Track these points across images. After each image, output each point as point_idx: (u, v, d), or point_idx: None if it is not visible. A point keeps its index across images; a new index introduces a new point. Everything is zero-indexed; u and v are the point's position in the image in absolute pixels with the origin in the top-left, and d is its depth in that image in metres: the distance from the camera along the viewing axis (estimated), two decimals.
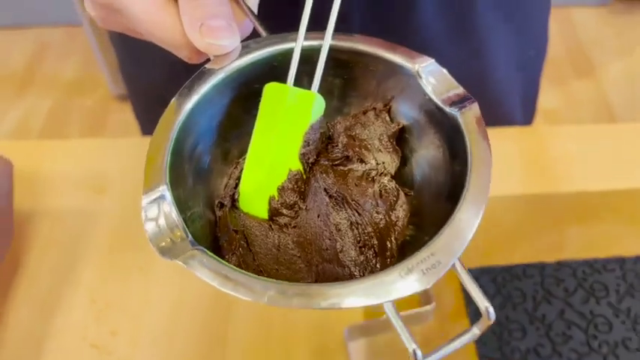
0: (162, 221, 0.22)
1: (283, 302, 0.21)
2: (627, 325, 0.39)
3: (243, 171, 0.27)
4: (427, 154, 0.28)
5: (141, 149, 0.52)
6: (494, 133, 0.49)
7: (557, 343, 0.38)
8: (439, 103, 0.26)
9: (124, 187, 0.48)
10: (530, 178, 0.47)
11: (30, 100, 1.74)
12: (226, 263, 0.22)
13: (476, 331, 0.22)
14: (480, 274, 0.41)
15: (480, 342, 0.38)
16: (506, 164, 0.48)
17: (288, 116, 0.26)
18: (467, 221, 0.22)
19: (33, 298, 0.41)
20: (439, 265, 0.21)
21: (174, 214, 0.22)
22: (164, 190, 0.23)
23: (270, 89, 0.27)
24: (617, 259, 0.42)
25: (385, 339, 0.39)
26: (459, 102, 0.25)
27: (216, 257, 0.22)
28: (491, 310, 0.21)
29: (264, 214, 0.27)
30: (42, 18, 2.00)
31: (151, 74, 0.51)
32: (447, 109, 0.25)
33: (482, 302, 0.21)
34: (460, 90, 0.26)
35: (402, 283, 0.21)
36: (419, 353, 0.21)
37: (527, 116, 0.56)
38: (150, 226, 0.22)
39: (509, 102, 0.51)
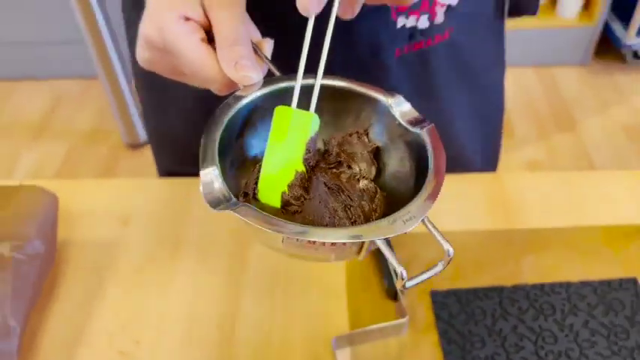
0: (217, 185, 0.32)
1: (311, 235, 0.31)
2: (570, 338, 0.45)
3: (261, 172, 0.35)
4: (396, 164, 0.38)
5: (159, 188, 0.61)
6: (464, 177, 0.58)
7: (511, 353, 0.45)
8: (406, 125, 0.36)
9: (146, 219, 0.56)
10: (493, 216, 0.55)
11: (46, 147, 1.84)
12: (264, 213, 0.31)
13: (440, 266, 0.31)
14: (447, 295, 0.48)
15: (446, 351, 0.45)
16: (474, 204, 0.56)
17: (293, 130, 0.35)
18: (430, 196, 0.33)
19: (67, 311, 0.48)
20: (413, 217, 0.31)
21: (221, 183, 0.32)
22: (215, 169, 0.33)
23: (279, 110, 0.36)
24: (563, 284, 0.49)
25: (368, 347, 0.46)
26: (420, 123, 0.36)
27: (257, 209, 0.31)
28: (451, 250, 0.31)
29: (277, 204, 0.35)
30: (58, 71, 2.12)
31: (170, 119, 0.59)
32: (412, 129, 0.36)
33: (445, 245, 0.31)
34: (419, 116, 0.36)
35: (390, 226, 0.31)
36: (404, 273, 0.30)
37: (490, 164, 0.64)
38: (206, 189, 0.32)
39: (470, 152, 0.60)
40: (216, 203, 0.32)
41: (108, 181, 0.63)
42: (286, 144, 0.35)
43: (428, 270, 0.31)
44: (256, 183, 0.36)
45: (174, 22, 0.35)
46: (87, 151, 1.83)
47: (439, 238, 0.32)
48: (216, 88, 0.36)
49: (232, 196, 0.32)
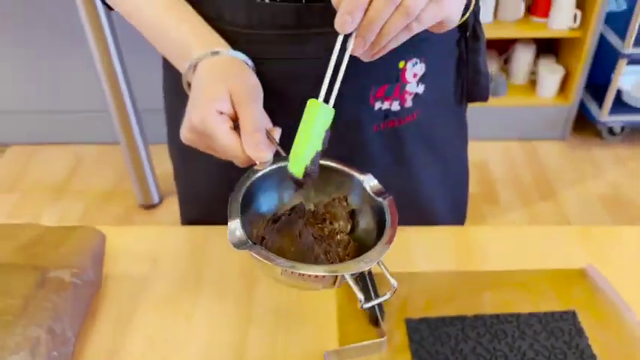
0: (238, 232, 0.45)
1: (300, 269, 0.44)
2: (518, 358, 0.55)
3: (293, 148, 0.47)
4: (365, 222, 0.52)
5: (183, 234, 0.72)
6: (437, 229, 0.69)
7: None
8: (373, 195, 0.49)
9: (172, 258, 0.66)
10: (459, 260, 0.66)
11: (65, 206, 1.95)
12: (270, 253, 0.44)
13: (388, 295, 0.45)
14: (420, 322, 0.58)
15: None
16: (444, 250, 0.67)
17: (320, 117, 0.46)
18: (382, 249, 0.46)
19: (107, 328, 0.58)
20: (371, 260, 0.44)
21: (241, 231, 0.45)
22: (237, 221, 0.45)
23: (311, 102, 0.46)
24: (514, 315, 0.59)
25: None
26: (382, 194, 0.49)
27: (265, 250, 0.45)
28: (395, 284, 0.44)
29: (300, 174, 0.47)
30: (79, 137, 2.27)
31: (197, 180, 0.71)
32: (377, 198, 0.48)
33: (392, 280, 0.44)
34: (383, 189, 0.49)
35: (356, 265, 0.44)
36: (362, 298, 0.43)
37: (460, 219, 0.76)
38: (231, 235, 0.45)
39: (439, 209, 0.71)
40: (238, 245, 0.45)
41: (142, 227, 0.74)
42: (314, 127, 0.46)
43: (379, 297, 0.46)
44: (263, 238, 0.50)
45: (212, 114, 0.48)
46: (103, 210, 1.95)
47: (387, 275, 0.46)
48: (238, 163, 0.49)
49: (249, 240, 0.45)
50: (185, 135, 0.51)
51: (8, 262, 0.55)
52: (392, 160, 0.63)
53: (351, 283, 0.43)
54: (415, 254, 0.66)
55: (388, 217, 0.48)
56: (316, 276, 0.45)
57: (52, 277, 0.54)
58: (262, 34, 0.56)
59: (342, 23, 0.42)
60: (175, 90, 0.66)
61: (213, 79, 0.51)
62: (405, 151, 0.64)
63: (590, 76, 2.06)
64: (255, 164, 0.48)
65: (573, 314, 0.59)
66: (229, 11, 0.57)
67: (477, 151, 2.13)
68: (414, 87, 0.61)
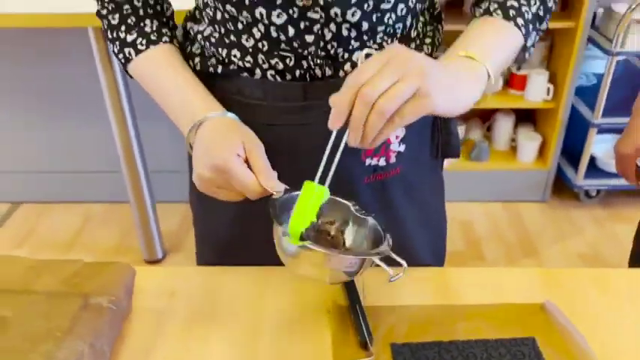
0: (280, 231, 0.56)
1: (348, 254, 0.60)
2: None
3: (292, 216, 0.58)
4: (356, 235, 0.65)
5: (199, 272, 0.82)
6: (419, 269, 0.79)
7: None
8: (360, 215, 0.62)
9: (188, 292, 0.76)
10: (437, 295, 0.75)
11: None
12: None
13: (401, 274, 0.57)
14: (403, 346, 0.67)
15: None
16: (425, 287, 0.77)
17: (316, 197, 0.58)
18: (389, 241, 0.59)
19: (135, 348, 0.67)
20: (385, 251, 0.58)
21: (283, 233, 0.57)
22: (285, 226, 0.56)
23: (308, 184, 0.59)
24: (484, 340, 0.68)
25: None
26: (367, 214, 0.62)
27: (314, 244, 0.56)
28: (405, 264, 0.56)
29: (296, 241, 0.58)
30: (88, 196, 2.38)
31: (213, 226, 0.82)
32: (364, 217, 0.61)
33: (401, 260, 0.57)
34: (367, 212, 0.62)
35: (377, 252, 0.59)
36: (392, 272, 0.58)
37: (439, 261, 0.86)
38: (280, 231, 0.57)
39: (420, 250, 0.82)
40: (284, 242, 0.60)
41: (163, 267, 0.84)
42: (310, 203, 0.58)
43: (397, 275, 0.58)
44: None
45: (232, 157, 0.60)
46: None
47: (395, 256, 0.58)
48: (254, 195, 0.61)
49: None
50: (204, 175, 0.62)
51: (57, 291, 0.65)
52: (379, 206, 0.74)
53: (381, 264, 0.58)
54: (400, 290, 0.76)
55: (380, 224, 0.63)
56: (351, 261, 0.60)
57: (92, 302, 0.63)
58: (275, 105, 0.69)
59: (331, 123, 0.53)
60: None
61: (227, 132, 0.64)
62: (389, 199, 0.76)
63: (566, 143, 2.22)
64: (271, 195, 0.60)
65: (533, 340, 0.69)
66: (249, 88, 0.70)
67: (463, 212, 2.25)
68: (396, 146, 0.73)
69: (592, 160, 2.24)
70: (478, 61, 0.61)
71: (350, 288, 0.74)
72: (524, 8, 0.66)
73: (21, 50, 2.08)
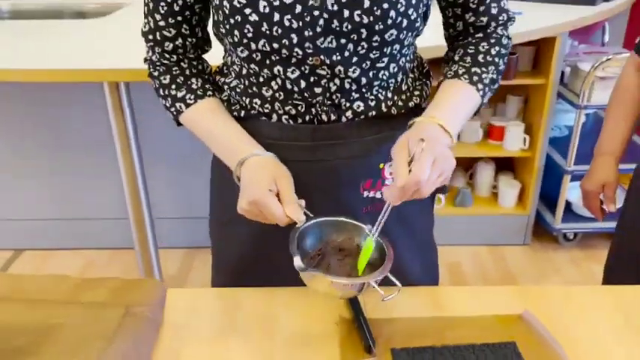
0: (297, 261, 0.66)
1: (346, 280, 0.72)
2: None
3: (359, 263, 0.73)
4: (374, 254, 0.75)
5: (216, 293, 0.93)
6: (414, 289, 0.89)
7: None
8: (374, 237, 0.72)
9: (209, 309, 0.85)
10: (428, 309, 0.86)
11: None
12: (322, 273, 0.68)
13: (395, 294, 0.69)
14: (401, 351, 0.77)
15: None
16: (418, 302, 0.87)
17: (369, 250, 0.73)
18: (388, 263, 0.70)
19: (164, 354, 0.75)
20: (385, 270, 0.69)
21: (299, 260, 0.67)
22: (298, 257, 0.67)
23: (368, 241, 0.74)
24: (471, 345, 0.78)
25: None
26: (380, 236, 0.71)
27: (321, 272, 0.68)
28: (399, 284, 0.66)
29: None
30: (91, 243, 2.45)
31: (230, 253, 0.92)
32: (378, 239, 0.71)
33: (395, 281, 0.69)
34: (377, 234, 0.72)
35: (378, 274, 0.69)
36: (383, 293, 0.71)
37: (433, 282, 0.97)
38: (296, 262, 0.67)
39: (412, 272, 0.92)
40: (301, 269, 0.69)
41: (186, 289, 0.93)
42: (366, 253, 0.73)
43: (389, 296, 0.70)
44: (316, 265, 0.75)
45: (266, 192, 0.73)
46: None
47: (392, 278, 0.69)
48: (282, 223, 0.73)
49: (307, 267, 0.69)
50: (243, 207, 0.74)
51: (101, 301, 0.74)
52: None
53: (376, 286, 0.70)
54: (396, 305, 0.86)
55: (386, 244, 0.74)
56: (352, 284, 0.72)
57: (133, 311, 0.73)
58: (288, 144, 0.82)
59: (394, 201, 0.70)
60: (221, 179, 0.90)
61: (262, 170, 0.76)
62: (384, 227, 0.87)
63: (543, 189, 2.36)
64: (295, 224, 0.72)
65: (514, 344, 0.79)
66: (266, 129, 0.83)
67: (450, 255, 2.36)
68: (390, 181, 0.86)
69: (568, 205, 2.37)
70: (448, 132, 0.76)
71: (354, 303, 0.84)
72: (484, 75, 0.83)
73: (28, 97, 2.20)
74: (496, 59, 0.85)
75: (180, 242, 2.42)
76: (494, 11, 0.84)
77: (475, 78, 0.82)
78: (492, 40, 0.86)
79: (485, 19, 0.84)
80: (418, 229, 0.95)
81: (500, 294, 0.90)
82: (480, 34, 0.86)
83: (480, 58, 0.84)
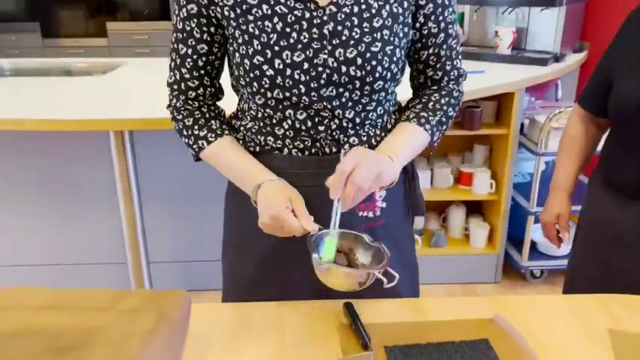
0: (315, 256, 0.82)
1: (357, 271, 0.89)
2: None
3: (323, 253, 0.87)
4: (365, 257, 0.91)
5: (229, 308, 1.05)
6: (401, 300, 1.02)
7: None
8: (371, 244, 0.89)
9: (225, 321, 0.96)
10: (413, 315, 0.99)
11: None
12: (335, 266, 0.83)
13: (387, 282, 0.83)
14: (393, 348, 0.89)
15: None
16: (404, 310, 1.00)
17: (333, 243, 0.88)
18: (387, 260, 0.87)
19: (190, 355, 0.86)
20: (386, 264, 0.86)
21: (317, 256, 0.83)
22: (316, 255, 0.83)
23: (330, 238, 0.88)
24: (450, 342, 0.91)
25: None
26: (377, 242, 0.88)
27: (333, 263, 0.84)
28: (396, 275, 0.78)
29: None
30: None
31: (244, 269, 1.05)
32: (373, 244, 0.88)
33: (393, 272, 0.84)
34: (375, 241, 0.90)
35: (381, 266, 0.87)
36: (386, 280, 0.87)
37: (414, 294, 1.11)
38: (314, 258, 0.84)
39: (401, 287, 1.04)
40: (318, 263, 0.84)
41: (202, 304, 1.03)
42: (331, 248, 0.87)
43: (392, 281, 0.85)
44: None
45: (284, 209, 0.87)
46: None
47: (390, 270, 0.84)
48: (298, 234, 0.88)
49: (321, 261, 0.84)
50: (265, 222, 0.89)
51: (137, 307, 0.85)
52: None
53: (380, 276, 0.85)
54: (386, 313, 0.99)
55: (384, 249, 0.91)
56: (360, 275, 0.87)
57: (166, 315, 0.84)
58: (297, 172, 0.98)
59: (332, 195, 0.85)
60: (235, 206, 1.04)
61: (278, 191, 0.91)
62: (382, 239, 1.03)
63: (510, 230, 2.54)
64: (309, 233, 0.87)
65: (486, 340, 0.92)
66: (277, 161, 0.99)
67: (427, 293, 2.46)
68: (380, 203, 1.02)
69: (534, 244, 2.55)
70: (394, 162, 0.93)
71: (350, 310, 0.97)
72: (430, 118, 1.02)
73: (26, 147, 2.30)
74: (445, 107, 1.03)
75: (174, 285, 2.50)
76: (447, 68, 1.04)
77: (422, 120, 1.00)
78: (444, 92, 1.04)
79: (440, 73, 1.04)
80: (405, 248, 1.10)
81: (473, 303, 1.04)
82: (435, 87, 1.06)
83: (430, 105, 1.03)
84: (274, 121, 0.98)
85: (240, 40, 0.94)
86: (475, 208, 2.70)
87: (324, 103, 0.94)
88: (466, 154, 2.64)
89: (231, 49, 0.96)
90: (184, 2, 0.95)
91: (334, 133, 0.98)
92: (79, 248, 2.46)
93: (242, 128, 1.03)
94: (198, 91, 1.02)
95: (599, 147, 1.34)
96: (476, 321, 0.98)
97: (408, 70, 1.06)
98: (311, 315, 0.98)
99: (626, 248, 1.19)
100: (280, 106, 0.95)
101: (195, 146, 1.01)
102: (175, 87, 1.02)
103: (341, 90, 0.94)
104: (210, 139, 1.00)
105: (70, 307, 0.87)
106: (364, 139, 1.00)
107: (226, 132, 1.02)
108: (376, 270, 0.86)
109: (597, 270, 1.26)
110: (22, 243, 2.44)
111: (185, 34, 0.97)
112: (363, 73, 0.93)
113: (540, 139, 2.31)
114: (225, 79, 1.06)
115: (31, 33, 4.64)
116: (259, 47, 0.92)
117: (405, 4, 0.96)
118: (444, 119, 1.03)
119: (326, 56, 0.92)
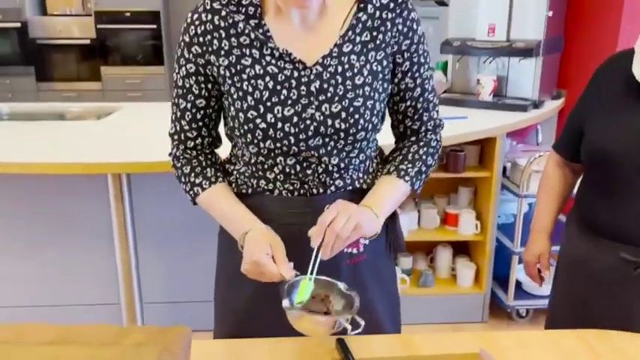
0: (285, 303, 0.87)
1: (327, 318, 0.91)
2: None
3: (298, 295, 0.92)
4: (339, 303, 0.97)
5: (222, 344, 1.11)
6: (386, 337, 1.08)
7: None
8: (345, 291, 0.96)
9: (218, 357, 1.01)
10: (400, 349, 1.04)
11: None
12: (305, 312, 0.88)
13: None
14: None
15: None
16: (391, 346, 1.05)
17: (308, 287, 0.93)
18: (355, 309, 0.91)
19: None
20: (355, 311, 0.90)
21: (287, 302, 0.88)
22: (287, 301, 0.88)
23: (305, 281, 0.93)
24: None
25: None
26: (350, 290, 0.95)
27: (304, 311, 0.88)
28: (362, 321, 0.89)
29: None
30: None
31: (236, 303, 1.10)
32: (347, 292, 0.95)
33: (358, 319, 0.90)
34: (349, 289, 0.96)
35: (348, 314, 0.90)
36: (350, 328, 0.91)
37: (396, 329, 1.17)
38: (285, 303, 0.88)
39: (384, 320, 1.12)
40: (289, 309, 0.88)
41: (196, 340, 1.07)
42: (306, 291, 0.92)
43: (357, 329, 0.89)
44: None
45: (264, 255, 0.94)
46: None
47: (356, 317, 0.89)
48: (276, 280, 0.93)
49: (293, 305, 0.88)
50: (246, 268, 0.95)
51: (142, 342, 0.90)
52: (354, 281, 1.05)
53: (346, 324, 0.89)
54: (374, 348, 1.04)
55: (355, 294, 0.95)
56: (327, 322, 0.92)
57: (169, 349, 0.89)
58: (286, 212, 1.06)
59: (313, 243, 0.93)
60: (228, 246, 1.11)
61: (260, 238, 0.97)
62: (360, 277, 1.09)
63: (496, 270, 2.60)
64: (285, 279, 0.93)
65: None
66: (268, 201, 1.07)
67: (414, 334, 2.51)
68: (363, 240, 1.09)
69: (519, 283, 2.61)
70: (377, 215, 1.02)
71: (343, 346, 1.01)
72: (409, 170, 1.09)
73: (21, 189, 2.34)
74: (423, 157, 1.11)
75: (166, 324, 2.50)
76: (425, 119, 1.13)
77: (402, 172, 1.09)
78: (421, 143, 1.13)
79: (418, 124, 1.13)
80: (387, 283, 1.18)
81: (460, 338, 1.09)
82: (414, 137, 1.14)
83: (409, 156, 1.11)
84: (266, 166, 1.06)
85: (235, 96, 1.02)
86: (461, 249, 2.77)
87: (312, 152, 1.03)
88: (452, 195, 2.73)
89: (226, 103, 1.05)
90: (184, 62, 1.05)
91: (321, 177, 1.06)
92: (71, 289, 2.47)
93: (235, 172, 1.11)
94: (197, 141, 1.10)
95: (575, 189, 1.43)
96: (463, 355, 1.03)
97: (388, 119, 1.15)
98: (303, 351, 1.03)
99: (601, 287, 1.26)
100: (272, 154, 1.04)
101: (191, 192, 1.10)
102: (176, 137, 1.10)
103: (327, 140, 1.03)
104: (204, 186, 1.08)
105: (75, 341, 0.91)
106: (348, 181, 1.09)
107: (220, 179, 1.10)
108: (343, 318, 0.91)
109: (575, 308, 1.32)
110: (14, 284, 2.44)
111: (185, 90, 1.06)
112: (347, 125, 1.02)
113: (522, 181, 2.41)
114: (222, 127, 1.14)
115: (25, 77, 4.74)
116: (253, 103, 1.01)
117: (385, 63, 1.05)
118: (423, 168, 1.11)
119: (313, 111, 1.01)
